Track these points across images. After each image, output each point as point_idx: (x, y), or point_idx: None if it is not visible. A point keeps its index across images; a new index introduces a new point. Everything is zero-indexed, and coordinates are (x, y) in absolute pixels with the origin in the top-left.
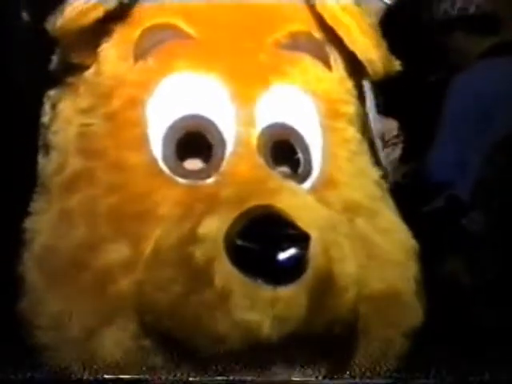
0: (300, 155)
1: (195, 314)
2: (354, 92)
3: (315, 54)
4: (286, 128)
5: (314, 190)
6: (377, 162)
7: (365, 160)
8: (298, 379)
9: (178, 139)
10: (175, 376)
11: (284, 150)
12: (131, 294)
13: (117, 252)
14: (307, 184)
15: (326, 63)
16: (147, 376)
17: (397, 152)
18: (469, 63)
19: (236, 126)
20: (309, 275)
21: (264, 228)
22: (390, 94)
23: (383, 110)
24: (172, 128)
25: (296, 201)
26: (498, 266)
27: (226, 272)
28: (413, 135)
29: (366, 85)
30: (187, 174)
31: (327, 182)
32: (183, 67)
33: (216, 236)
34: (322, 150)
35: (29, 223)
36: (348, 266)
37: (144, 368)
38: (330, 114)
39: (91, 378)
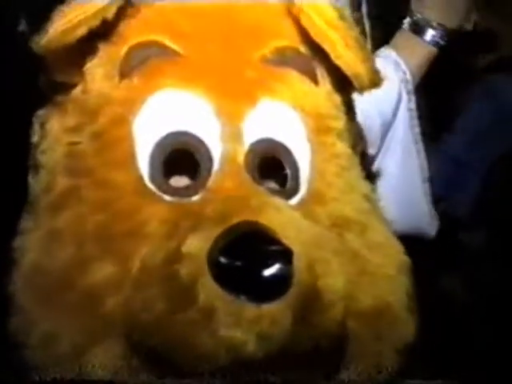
0: (288, 171)
1: (180, 332)
2: (342, 107)
3: (302, 69)
4: (273, 144)
5: (302, 205)
6: (367, 175)
7: (354, 174)
8: None
9: (165, 156)
10: None
11: (272, 165)
12: (119, 313)
13: (104, 271)
14: (295, 200)
15: (313, 78)
16: None
17: None
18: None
19: (223, 142)
20: (293, 292)
21: (247, 245)
22: None
23: None
24: (158, 145)
25: (280, 217)
26: (497, 283)
27: (209, 290)
28: None
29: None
30: (174, 192)
31: (315, 198)
32: (169, 84)
33: (199, 254)
34: (310, 166)
35: (18, 242)
36: (334, 282)
37: None
38: (318, 129)
39: None
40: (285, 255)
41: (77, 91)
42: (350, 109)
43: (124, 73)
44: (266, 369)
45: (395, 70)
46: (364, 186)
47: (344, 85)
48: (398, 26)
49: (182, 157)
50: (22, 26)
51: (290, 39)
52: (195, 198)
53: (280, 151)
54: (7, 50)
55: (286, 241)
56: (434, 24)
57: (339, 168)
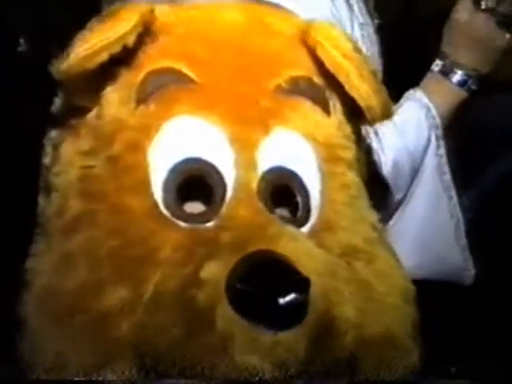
0: (299, 199)
1: (196, 357)
2: (353, 137)
3: (315, 99)
4: (285, 172)
5: (312, 234)
6: (374, 204)
7: (363, 204)
8: None
9: (179, 183)
10: None
11: (283, 193)
12: (131, 337)
13: (117, 294)
14: (306, 228)
15: (326, 108)
16: None
17: None
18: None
19: (236, 169)
20: (309, 320)
21: (265, 273)
22: None
23: None
24: (173, 171)
25: (296, 246)
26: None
27: (227, 316)
28: None
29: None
30: (188, 218)
31: (326, 227)
32: (184, 111)
33: (218, 280)
34: (320, 195)
35: (30, 264)
36: (347, 311)
37: None
38: (329, 159)
39: None
40: (302, 284)
41: (91, 115)
42: (359, 138)
43: (140, 99)
44: None
45: (425, 116)
46: (372, 215)
47: (355, 115)
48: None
49: (195, 183)
50: (22, 46)
51: (305, 69)
52: (209, 224)
53: (292, 180)
54: (7, 69)
55: (301, 269)
56: (468, 69)
57: (349, 197)
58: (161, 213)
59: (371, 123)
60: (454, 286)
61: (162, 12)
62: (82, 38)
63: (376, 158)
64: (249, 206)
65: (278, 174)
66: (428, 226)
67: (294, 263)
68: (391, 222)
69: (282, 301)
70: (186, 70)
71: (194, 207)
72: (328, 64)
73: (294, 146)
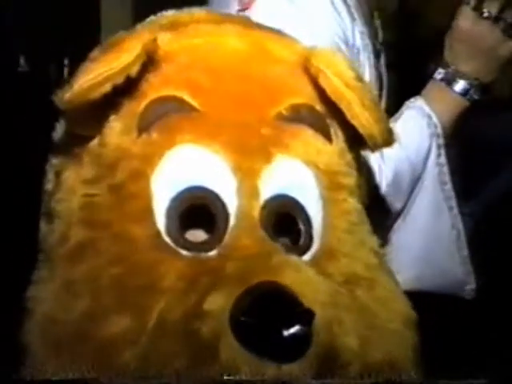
0: (301, 227)
1: None
2: (354, 163)
3: (316, 126)
4: (287, 200)
5: (314, 262)
6: (374, 229)
7: (364, 230)
8: None
9: (182, 211)
10: None
11: (285, 221)
12: (135, 366)
13: (120, 323)
14: (308, 256)
15: (327, 136)
16: None
17: None
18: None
19: (239, 198)
20: (313, 352)
21: (269, 305)
22: None
23: None
24: (175, 200)
25: (299, 277)
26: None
27: (231, 348)
28: None
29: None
30: (190, 247)
31: (328, 254)
32: (186, 140)
33: (222, 312)
34: (322, 222)
35: (32, 292)
36: (351, 341)
37: None
38: (331, 186)
39: None
40: (305, 316)
41: (93, 143)
42: (360, 164)
43: (142, 127)
44: None
45: (427, 124)
46: (373, 240)
47: (356, 141)
48: (414, 74)
49: (198, 211)
50: (22, 67)
51: (306, 97)
52: (212, 253)
53: (294, 207)
54: (8, 88)
55: (305, 301)
56: (470, 77)
57: (350, 224)
58: (164, 241)
59: (373, 150)
60: (454, 299)
61: (165, 40)
62: (86, 68)
63: (377, 176)
64: (251, 234)
65: (280, 202)
66: (428, 236)
67: (298, 294)
68: (391, 233)
69: (286, 333)
70: (188, 99)
71: (196, 235)
72: (330, 93)
73: (296, 173)
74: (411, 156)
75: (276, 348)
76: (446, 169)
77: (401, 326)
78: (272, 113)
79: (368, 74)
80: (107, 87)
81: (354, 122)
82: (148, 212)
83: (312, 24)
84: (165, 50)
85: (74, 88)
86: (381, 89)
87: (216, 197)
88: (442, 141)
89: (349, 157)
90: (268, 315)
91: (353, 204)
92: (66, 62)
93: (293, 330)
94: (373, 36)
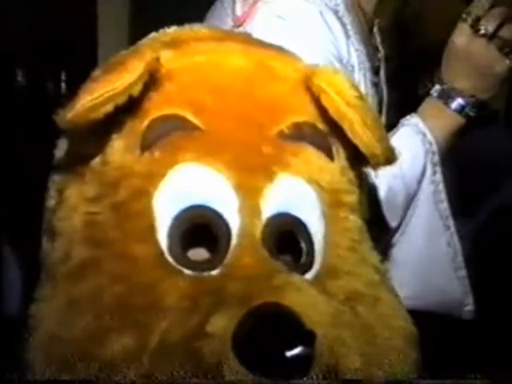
0: (303, 245)
1: None
2: (356, 181)
3: (318, 145)
4: (289, 218)
5: (316, 280)
6: (374, 246)
7: (365, 246)
8: None
9: (184, 230)
10: None
11: (287, 239)
12: None
13: (122, 342)
14: (310, 274)
15: (329, 154)
16: None
17: None
18: None
19: (241, 217)
20: (315, 373)
21: (271, 327)
22: None
23: None
24: (177, 219)
25: (301, 297)
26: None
27: (234, 370)
28: None
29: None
30: (192, 266)
31: (329, 272)
32: (189, 159)
33: (224, 334)
34: (324, 240)
35: (34, 309)
36: (353, 361)
37: None
38: (333, 204)
39: None
40: (307, 338)
41: (96, 161)
42: (361, 181)
43: (145, 146)
44: None
45: (422, 141)
46: (374, 257)
47: (358, 159)
48: (413, 91)
49: (200, 229)
50: (20, 80)
51: (308, 115)
52: (214, 272)
53: (296, 226)
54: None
55: (307, 321)
56: (466, 95)
57: (351, 242)
58: (166, 260)
59: (375, 169)
60: (452, 319)
61: (167, 59)
62: (88, 88)
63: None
64: (253, 253)
65: (282, 221)
66: (424, 255)
67: (300, 315)
68: (390, 249)
69: (288, 355)
70: (190, 117)
71: (198, 254)
72: (332, 112)
73: (298, 191)
74: (405, 173)
75: (278, 369)
76: (441, 187)
77: (402, 343)
78: (274, 131)
79: (363, 91)
80: (109, 107)
81: (356, 142)
82: (150, 231)
83: (304, 42)
84: (167, 68)
85: (76, 108)
86: (380, 105)
87: (218, 216)
88: (437, 158)
89: (351, 174)
90: (270, 337)
91: (354, 221)
92: (63, 76)
93: (295, 352)
94: (371, 53)
